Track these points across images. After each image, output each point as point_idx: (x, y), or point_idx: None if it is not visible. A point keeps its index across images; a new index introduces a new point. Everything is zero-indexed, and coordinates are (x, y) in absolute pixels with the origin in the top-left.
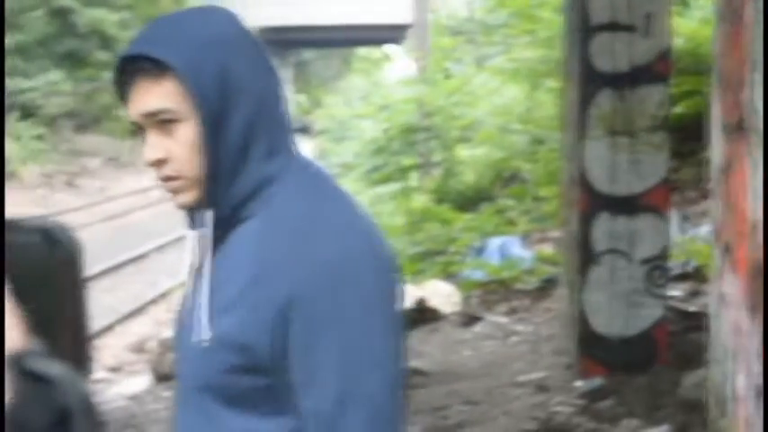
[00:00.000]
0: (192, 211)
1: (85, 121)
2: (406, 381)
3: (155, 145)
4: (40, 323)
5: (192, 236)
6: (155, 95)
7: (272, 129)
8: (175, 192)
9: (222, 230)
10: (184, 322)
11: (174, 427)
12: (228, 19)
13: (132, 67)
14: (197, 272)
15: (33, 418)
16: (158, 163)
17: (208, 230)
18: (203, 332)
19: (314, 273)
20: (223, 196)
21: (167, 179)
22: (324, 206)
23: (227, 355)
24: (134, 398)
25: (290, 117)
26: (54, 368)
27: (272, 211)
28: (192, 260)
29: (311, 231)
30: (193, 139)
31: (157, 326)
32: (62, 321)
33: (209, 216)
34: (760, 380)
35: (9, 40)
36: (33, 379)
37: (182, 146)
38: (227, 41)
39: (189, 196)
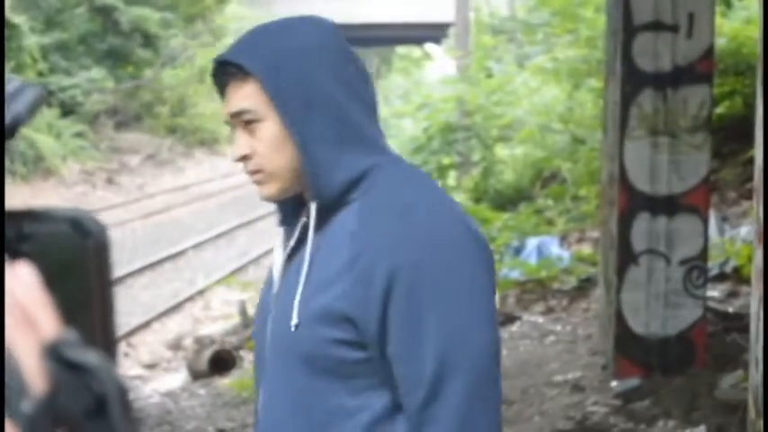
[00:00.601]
0: (282, 206)
1: (126, 118)
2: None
3: (240, 142)
4: (67, 312)
5: (280, 230)
6: (239, 97)
7: (359, 127)
8: (259, 184)
9: (320, 219)
10: (271, 305)
11: (262, 406)
12: (316, 28)
13: (225, 72)
14: (290, 258)
15: (70, 406)
16: (243, 159)
17: (311, 221)
18: (299, 313)
19: (415, 246)
20: (325, 187)
21: (251, 173)
22: (421, 190)
23: (329, 329)
24: (169, 394)
25: (378, 116)
26: (90, 356)
27: (370, 197)
28: (280, 249)
29: (411, 209)
30: (272, 138)
31: (194, 323)
32: (89, 312)
33: (312, 208)
34: None
35: (50, 38)
36: (69, 367)
37: (262, 143)
38: (307, 49)
39: (271, 188)
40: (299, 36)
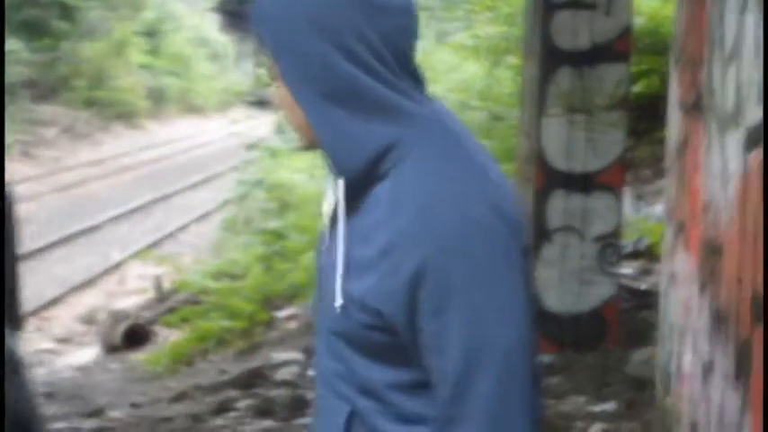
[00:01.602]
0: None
1: (43, 90)
2: (537, 348)
3: (273, 92)
4: None
5: (331, 184)
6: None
7: (385, 93)
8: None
9: (355, 191)
10: (324, 270)
11: (316, 364)
12: None
13: None
14: (333, 222)
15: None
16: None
17: (339, 198)
18: (338, 297)
19: (434, 243)
20: (346, 162)
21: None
22: (447, 169)
23: (360, 314)
24: (82, 369)
25: (416, 74)
26: None
27: (402, 174)
28: (329, 208)
29: (432, 199)
30: (282, 98)
31: (108, 298)
32: None
33: (339, 184)
34: (707, 358)
35: None
36: None
37: (278, 99)
38: (313, 15)
39: (301, 140)
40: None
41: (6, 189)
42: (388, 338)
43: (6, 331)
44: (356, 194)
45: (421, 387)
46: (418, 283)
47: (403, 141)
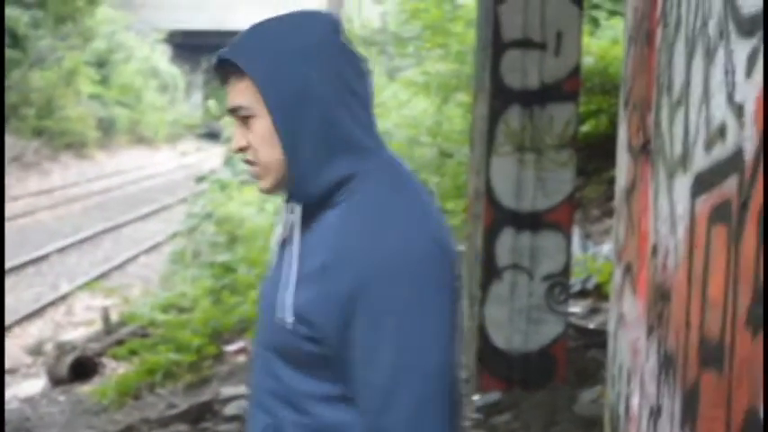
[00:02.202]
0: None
1: None
2: (459, 372)
3: (238, 135)
4: None
5: (284, 210)
6: (236, 93)
7: (351, 129)
8: (256, 177)
9: (309, 214)
10: (267, 291)
11: (250, 380)
12: (314, 27)
13: (226, 68)
14: (285, 244)
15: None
16: (241, 150)
17: (296, 220)
18: (287, 311)
19: (377, 266)
20: (308, 189)
21: (248, 164)
22: (396, 201)
23: (299, 325)
24: (28, 401)
25: (373, 117)
26: None
27: (352, 203)
28: (280, 233)
29: (379, 226)
30: (265, 132)
31: (56, 329)
32: None
33: (297, 209)
34: (654, 401)
35: None
36: None
37: (256, 137)
38: (301, 50)
39: (266, 181)
40: (295, 36)
41: None
42: (317, 349)
43: None
44: (310, 218)
45: (341, 400)
46: (355, 299)
47: (358, 174)
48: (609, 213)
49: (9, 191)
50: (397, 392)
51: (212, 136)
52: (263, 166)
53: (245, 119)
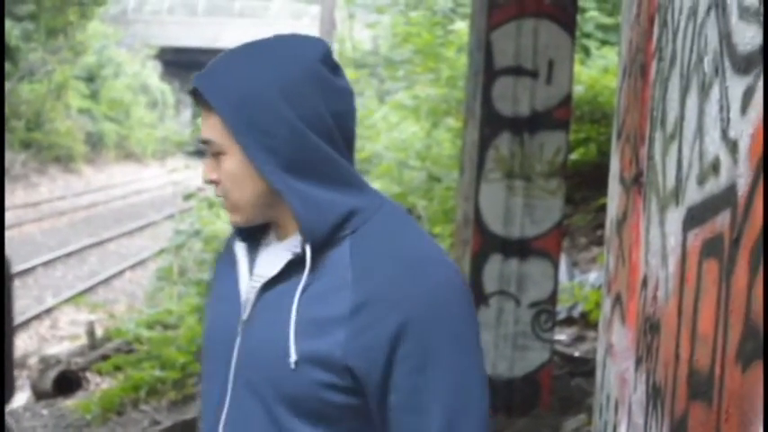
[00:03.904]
0: (247, 230)
1: None
2: None
3: (208, 167)
4: None
5: (241, 249)
6: (206, 126)
7: (336, 165)
8: (227, 210)
9: (313, 253)
10: (239, 330)
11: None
12: (300, 59)
13: (199, 96)
14: (266, 287)
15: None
16: (212, 182)
17: (307, 259)
18: (292, 354)
19: (426, 300)
20: (312, 228)
21: (219, 197)
22: (414, 235)
23: (324, 373)
24: (11, 414)
25: (353, 152)
26: None
27: (364, 242)
28: (245, 270)
29: (417, 261)
30: (234, 171)
31: (40, 342)
32: None
33: (307, 248)
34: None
35: None
36: None
37: (224, 174)
38: (280, 89)
39: (237, 217)
40: (268, 69)
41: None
42: (349, 400)
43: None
44: (312, 256)
45: None
46: (399, 340)
47: (361, 210)
48: (596, 242)
49: None
50: None
51: (201, 154)
52: (232, 204)
53: (215, 152)
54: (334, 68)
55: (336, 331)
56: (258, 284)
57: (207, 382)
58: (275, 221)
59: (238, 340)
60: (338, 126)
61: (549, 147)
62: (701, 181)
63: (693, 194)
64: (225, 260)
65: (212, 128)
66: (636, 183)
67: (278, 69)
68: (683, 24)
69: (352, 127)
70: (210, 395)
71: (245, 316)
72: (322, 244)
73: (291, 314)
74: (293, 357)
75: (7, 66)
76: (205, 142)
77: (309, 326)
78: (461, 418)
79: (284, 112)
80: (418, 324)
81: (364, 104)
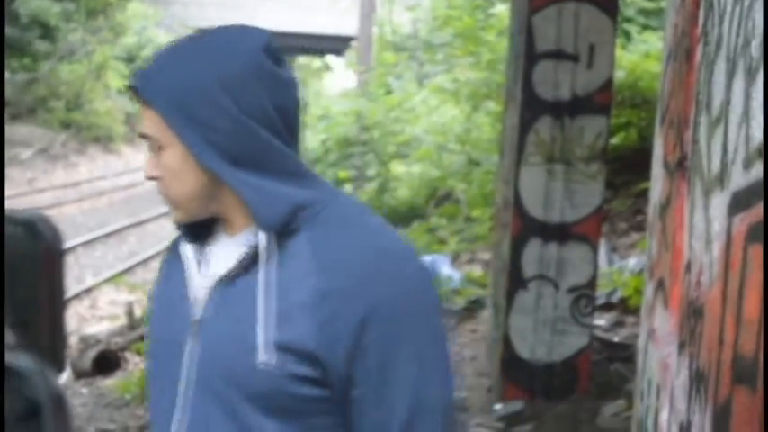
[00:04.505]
0: (191, 227)
1: (19, 111)
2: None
3: (150, 162)
4: (17, 315)
5: (188, 249)
6: (146, 121)
7: (284, 156)
8: (170, 207)
9: (271, 244)
10: (192, 328)
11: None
12: (241, 51)
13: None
14: (222, 283)
15: (4, 410)
16: (153, 179)
17: (261, 251)
18: (261, 351)
19: (392, 292)
20: (265, 219)
21: (161, 194)
22: (380, 230)
23: (293, 365)
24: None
25: (299, 143)
26: (25, 362)
27: (324, 232)
28: (194, 268)
29: (384, 252)
30: (173, 166)
31: (80, 322)
32: (41, 315)
33: (261, 238)
34: (684, 417)
35: None
36: (5, 372)
37: (164, 170)
38: (220, 82)
39: (178, 214)
40: (207, 63)
41: (47, 226)
42: (319, 392)
43: (52, 371)
44: (270, 248)
45: None
46: (364, 331)
47: (315, 200)
48: (636, 227)
49: (36, 183)
50: (416, 427)
51: None
52: (173, 199)
53: (155, 148)
54: (278, 59)
55: (304, 319)
56: (211, 282)
57: (155, 388)
58: (222, 217)
59: (190, 342)
60: (282, 117)
61: (589, 131)
62: (747, 165)
63: (738, 179)
64: (170, 262)
65: (151, 123)
66: (680, 167)
67: (218, 61)
68: (729, 8)
69: (298, 118)
70: (160, 400)
71: (197, 316)
72: (278, 234)
73: (257, 307)
74: (262, 350)
75: (47, 45)
76: (144, 137)
77: (276, 317)
78: (424, 414)
79: (225, 105)
80: (383, 316)
81: (403, 88)
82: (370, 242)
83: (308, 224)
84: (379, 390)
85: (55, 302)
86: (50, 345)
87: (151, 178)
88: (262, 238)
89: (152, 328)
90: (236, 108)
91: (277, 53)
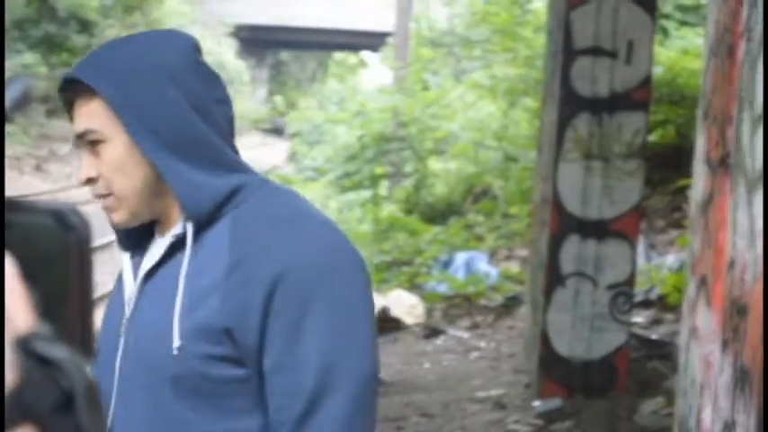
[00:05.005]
0: (124, 231)
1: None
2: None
3: (87, 165)
4: (47, 306)
5: (126, 256)
6: (84, 116)
7: (217, 147)
8: (109, 210)
9: (195, 232)
10: (123, 327)
11: (116, 427)
12: (170, 45)
13: (73, 89)
14: (148, 278)
15: (37, 400)
16: (90, 182)
17: (188, 239)
18: (175, 337)
19: (305, 252)
20: (193, 207)
21: (99, 197)
22: (298, 204)
23: (208, 345)
24: None
25: (233, 140)
26: (59, 352)
27: (242, 211)
28: (130, 273)
29: (297, 218)
30: (118, 158)
31: None
32: (68, 305)
33: (189, 227)
34: (728, 414)
35: None
36: (39, 361)
37: (107, 165)
38: (157, 67)
39: (122, 214)
40: (149, 53)
41: (77, 217)
42: (236, 372)
43: (85, 360)
44: (194, 237)
45: None
46: (274, 294)
47: (244, 186)
48: (674, 224)
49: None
50: (326, 394)
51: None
52: (117, 197)
53: (94, 146)
54: (204, 60)
55: (214, 295)
56: (139, 279)
57: (102, 392)
58: (160, 217)
59: (122, 340)
60: (220, 111)
61: (627, 128)
62: None
63: None
64: (120, 275)
65: (92, 115)
66: (722, 164)
67: (160, 54)
68: None
69: (232, 115)
70: (103, 400)
71: (128, 314)
72: (206, 222)
73: (177, 293)
74: (176, 335)
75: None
76: (82, 135)
77: (190, 300)
78: (334, 384)
79: (170, 93)
80: (293, 277)
81: (440, 84)
82: (283, 212)
83: (232, 210)
84: (287, 357)
85: (84, 294)
86: (80, 336)
87: (88, 181)
88: (188, 227)
89: (98, 342)
90: (179, 96)
91: (202, 54)
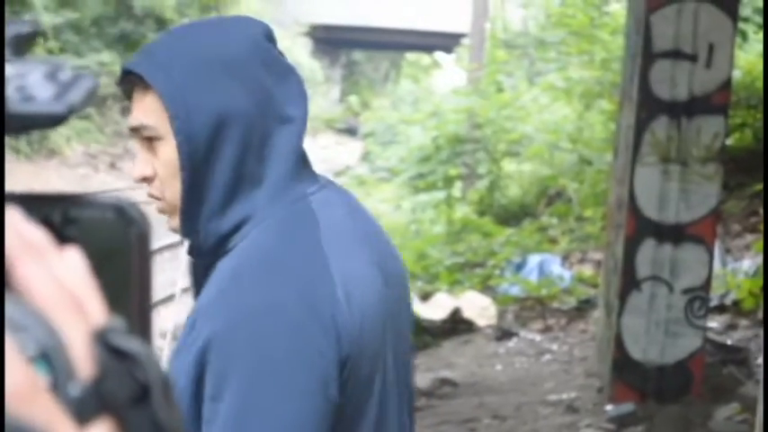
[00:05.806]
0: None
1: None
2: None
3: (142, 161)
4: (107, 300)
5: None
6: (139, 110)
7: (270, 161)
8: (163, 213)
9: (209, 262)
10: None
11: None
12: (246, 35)
13: (131, 81)
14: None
15: (115, 392)
16: (145, 180)
17: (190, 275)
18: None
19: (231, 319)
20: (206, 229)
21: (153, 198)
22: (276, 250)
23: (183, 399)
24: None
25: (302, 137)
26: (135, 345)
27: (240, 249)
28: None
29: (242, 275)
30: (173, 160)
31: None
32: (128, 300)
33: (193, 251)
34: None
35: (62, 18)
36: (115, 354)
37: (164, 165)
38: (225, 61)
39: (175, 222)
40: (218, 44)
41: (136, 211)
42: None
43: (151, 348)
44: (209, 267)
45: None
46: (205, 359)
47: (253, 216)
48: (750, 229)
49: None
50: None
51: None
52: (170, 203)
53: (149, 142)
54: (280, 51)
55: (182, 349)
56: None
57: None
58: None
59: None
60: (289, 114)
61: (706, 131)
62: None
63: None
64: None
65: (147, 109)
66: None
67: (224, 45)
68: None
69: (305, 115)
70: None
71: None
72: (216, 251)
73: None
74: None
75: None
76: (135, 130)
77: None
78: None
79: (229, 90)
80: (219, 345)
81: (514, 86)
82: (252, 255)
83: (240, 242)
84: (207, 424)
85: (144, 289)
86: (140, 329)
87: (143, 180)
88: (189, 267)
89: None
90: (238, 92)
91: (275, 42)
